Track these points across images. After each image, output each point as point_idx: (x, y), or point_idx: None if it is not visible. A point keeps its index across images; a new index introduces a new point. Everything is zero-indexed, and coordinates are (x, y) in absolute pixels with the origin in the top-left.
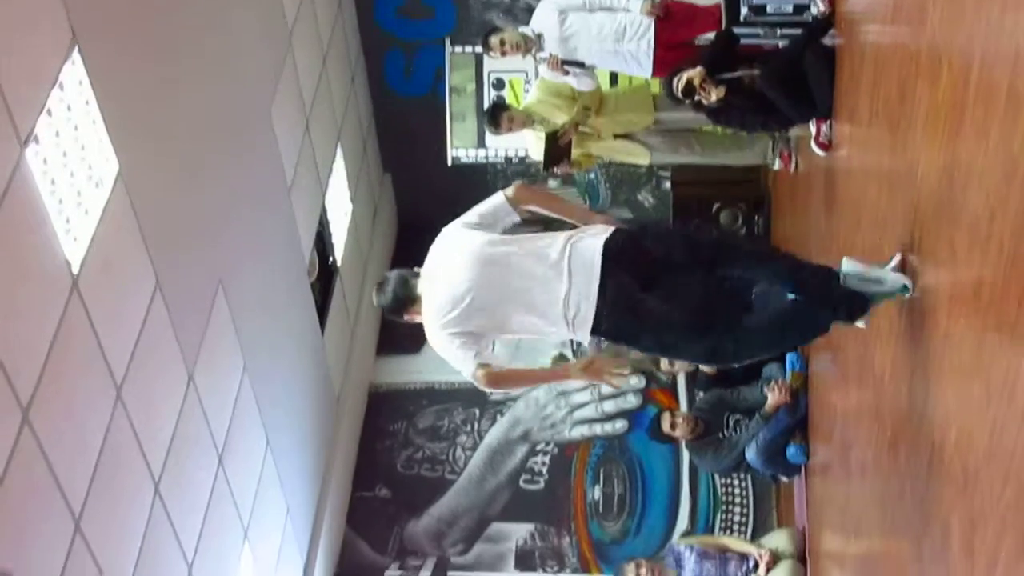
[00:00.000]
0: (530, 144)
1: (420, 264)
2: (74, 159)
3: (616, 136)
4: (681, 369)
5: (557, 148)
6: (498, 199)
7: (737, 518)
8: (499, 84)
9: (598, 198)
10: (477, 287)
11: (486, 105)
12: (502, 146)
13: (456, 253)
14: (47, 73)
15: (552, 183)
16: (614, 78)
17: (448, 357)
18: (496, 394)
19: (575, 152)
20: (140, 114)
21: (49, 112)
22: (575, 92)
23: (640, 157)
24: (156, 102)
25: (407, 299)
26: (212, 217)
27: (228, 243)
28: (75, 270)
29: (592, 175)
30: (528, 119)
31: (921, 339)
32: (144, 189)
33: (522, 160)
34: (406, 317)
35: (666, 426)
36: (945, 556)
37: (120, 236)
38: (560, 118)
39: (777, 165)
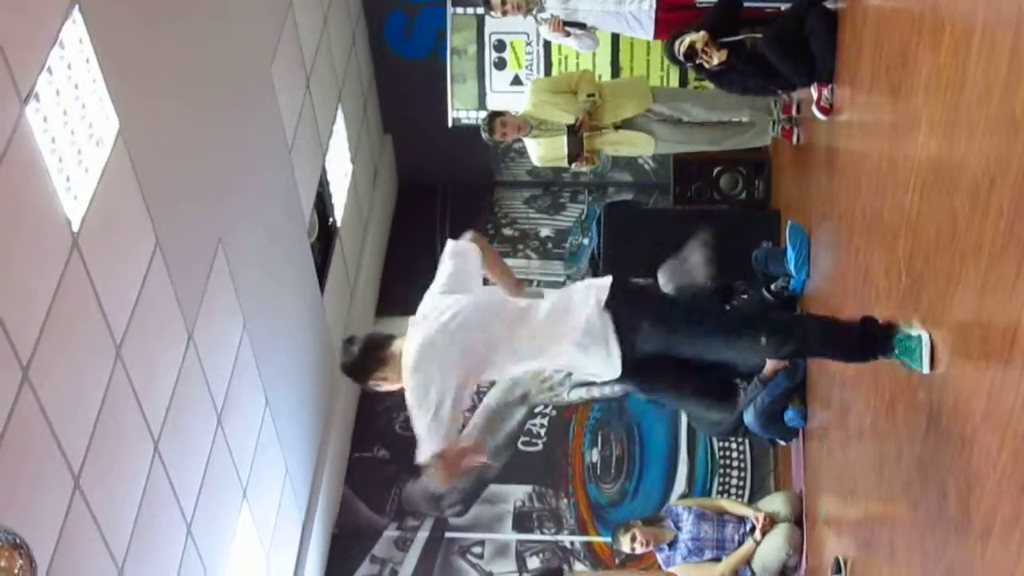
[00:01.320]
0: (529, 150)
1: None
2: (74, 117)
3: (616, 127)
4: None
5: (577, 141)
6: (460, 254)
7: (735, 481)
8: (500, 46)
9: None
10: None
11: (487, 66)
12: (503, 108)
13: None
14: (47, 31)
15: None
16: (615, 54)
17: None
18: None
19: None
20: (141, 72)
21: (49, 70)
22: (573, 85)
23: (644, 147)
24: (157, 60)
25: (375, 361)
26: (212, 176)
27: (228, 202)
28: (75, 228)
29: None
30: (524, 124)
31: (919, 302)
32: (144, 148)
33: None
34: (368, 384)
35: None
36: (942, 518)
37: (120, 194)
38: (563, 116)
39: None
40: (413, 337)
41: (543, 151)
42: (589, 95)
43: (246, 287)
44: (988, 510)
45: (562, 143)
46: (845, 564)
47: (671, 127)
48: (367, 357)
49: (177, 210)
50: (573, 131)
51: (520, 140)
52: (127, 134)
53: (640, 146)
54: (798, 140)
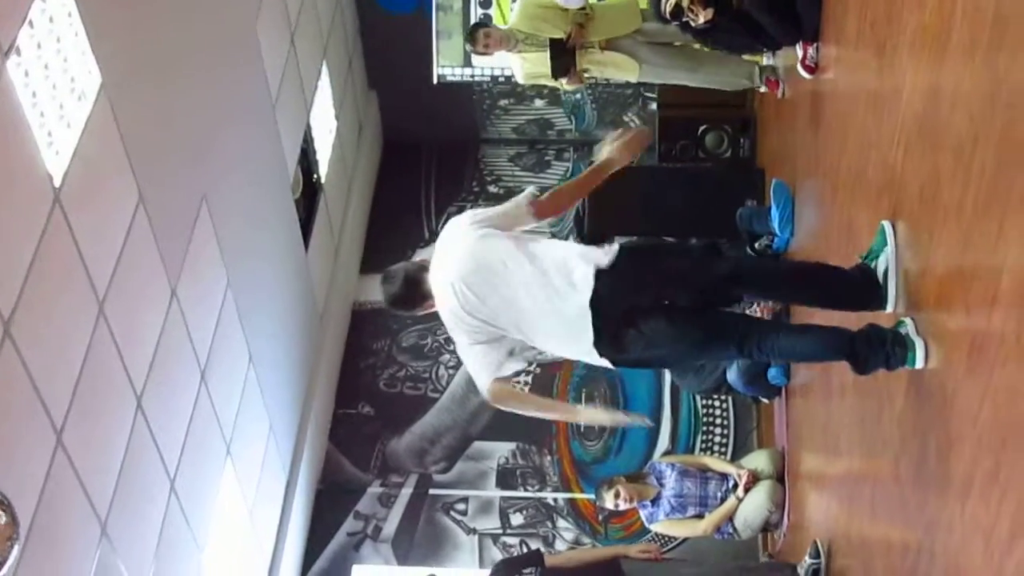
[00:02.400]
0: (514, 66)
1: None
2: (56, 71)
3: (603, 48)
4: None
5: (564, 56)
6: (520, 207)
7: (718, 439)
8: (486, 1)
9: (584, 119)
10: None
11: (473, 21)
12: (488, 65)
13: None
14: None
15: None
16: None
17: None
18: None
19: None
20: (123, 27)
21: (31, 23)
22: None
23: (629, 72)
24: (140, 15)
25: (419, 295)
26: (196, 132)
27: (212, 158)
28: (57, 183)
29: (578, 96)
30: (509, 39)
31: (902, 260)
32: (127, 103)
33: (508, 79)
34: (419, 312)
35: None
36: (922, 475)
37: (103, 150)
38: (552, 31)
39: (763, 89)
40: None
41: (529, 67)
42: (580, 8)
43: (230, 243)
44: (968, 467)
45: (546, 59)
46: (825, 549)
47: (658, 51)
48: (410, 291)
49: (160, 166)
50: (561, 44)
51: (507, 100)
52: (110, 89)
53: (625, 69)
54: (783, 94)
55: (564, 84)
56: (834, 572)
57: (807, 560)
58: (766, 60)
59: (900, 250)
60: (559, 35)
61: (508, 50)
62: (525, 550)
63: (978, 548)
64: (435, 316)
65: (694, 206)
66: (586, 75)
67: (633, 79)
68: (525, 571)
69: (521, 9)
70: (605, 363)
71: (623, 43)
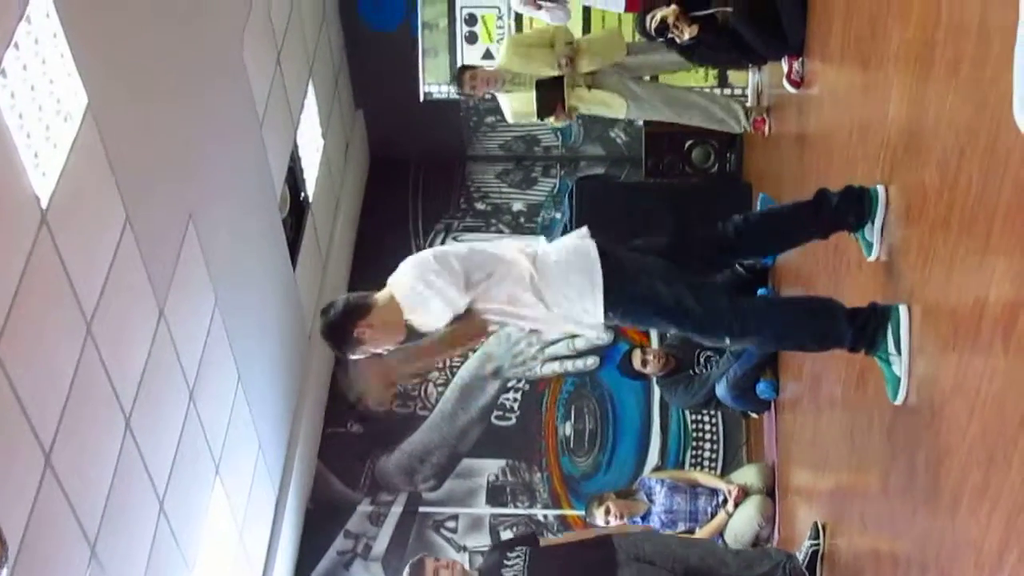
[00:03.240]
0: (503, 105)
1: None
2: (42, 93)
3: (590, 82)
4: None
5: (551, 94)
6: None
7: (707, 454)
8: (471, 19)
9: (570, 135)
10: None
11: (459, 40)
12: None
13: None
14: (13, 6)
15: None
16: (587, 25)
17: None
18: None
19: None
20: (109, 47)
21: (16, 45)
22: (549, 39)
23: (617, 110)
24: (125, 35)
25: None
26: (183, 152)
27: (199, 178)
28: (44, 204)
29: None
30: (496, 79)
31: (891, 275)
32: (114, 123)
33: (494, 96)
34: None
35: (637, 363)
36: (912, 489)
37: (89, 170)
38: (541, 68)
39: (750, 131)
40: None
41: (517, 105)
42: (568, 43)
43: (217, 262)
44: (957, 480)
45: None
46: (824, 529)
47: (645, 87)
48: (348, 311)
49: (147, 186)
50: (547, 83)
51: (494, 117)
52: (96, 109)
53: (613, 106)
54: (769, 131)
55: (553, 121)
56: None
57: (806, 542)
58: (751, 76)
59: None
60: (548, 72)
61: (496, 90)
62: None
63: (968, 562)
64: (423, 333)
65: (681, 221)
66: (575, 112)
67: (621, 116)
68: (517, 549)
69: (508, 48)
70: (598, 320)
71: (610, 80)
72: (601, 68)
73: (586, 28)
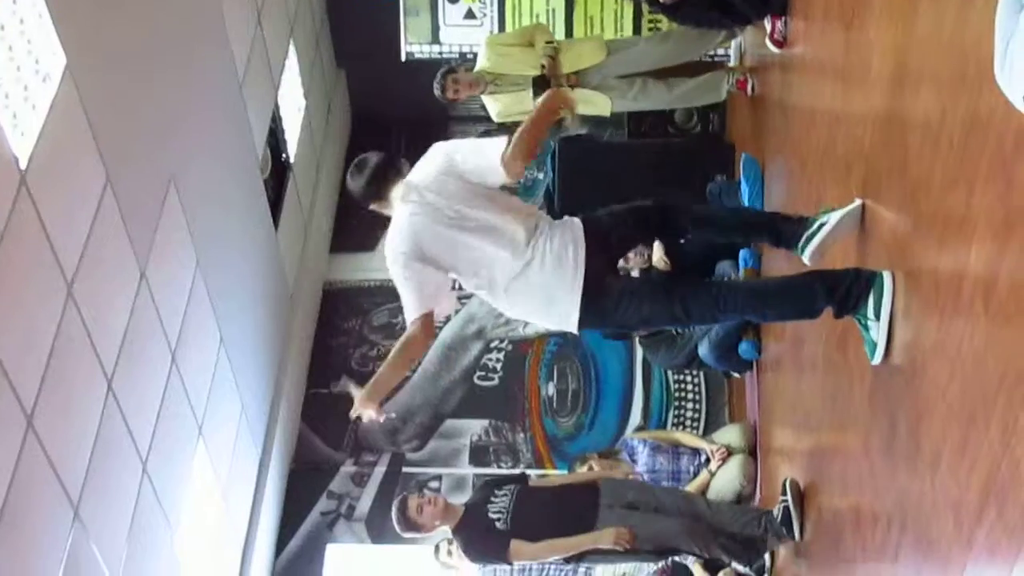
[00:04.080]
0: (489, 107)
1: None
2: (20, 53)
3: (573, 85)
4: (636, 265)
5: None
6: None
7: (689, 414)
8: None
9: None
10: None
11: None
12: (456, 42)
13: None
14: None
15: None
16: (569, 31)
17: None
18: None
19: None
20: (88, 7)
21: None
22: (529, 38)
23: (602, 107)
24: None
25: (379, 192)
26: (163, 113)
27: (179, 139)
28: (23, 165)
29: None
30: (478, 82)
31: (872, 233)
32: (93, 84)
33: (477, 56)
34: (372, 206)
35: None
36: (891, 449)
37: (69, 131)
38: (523, 68)
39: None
40: (401, 214)
41: (502, 106)
42: (548, 42)
43: (199, 224)
44: (937, 439)
45: (522, 98)
46: (794, 486)
47: (628, 82)
48: (370, 186)
49: (128, 147)
50: (539, 82)
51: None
52: (74, 70)
53: (598, 104)
54: (753, 90)
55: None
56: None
57: (779, 499)
58: (736, 36)
59: (869, 226)
60: (530, 72)
61: (479, 92)
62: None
63: (948, 519)
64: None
65: (664, 181)
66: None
67: (606, 113)
68: (505, 487)
69: (487, 51)
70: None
71: (592, 79)
72: (583, 69)
73: (568, 23)
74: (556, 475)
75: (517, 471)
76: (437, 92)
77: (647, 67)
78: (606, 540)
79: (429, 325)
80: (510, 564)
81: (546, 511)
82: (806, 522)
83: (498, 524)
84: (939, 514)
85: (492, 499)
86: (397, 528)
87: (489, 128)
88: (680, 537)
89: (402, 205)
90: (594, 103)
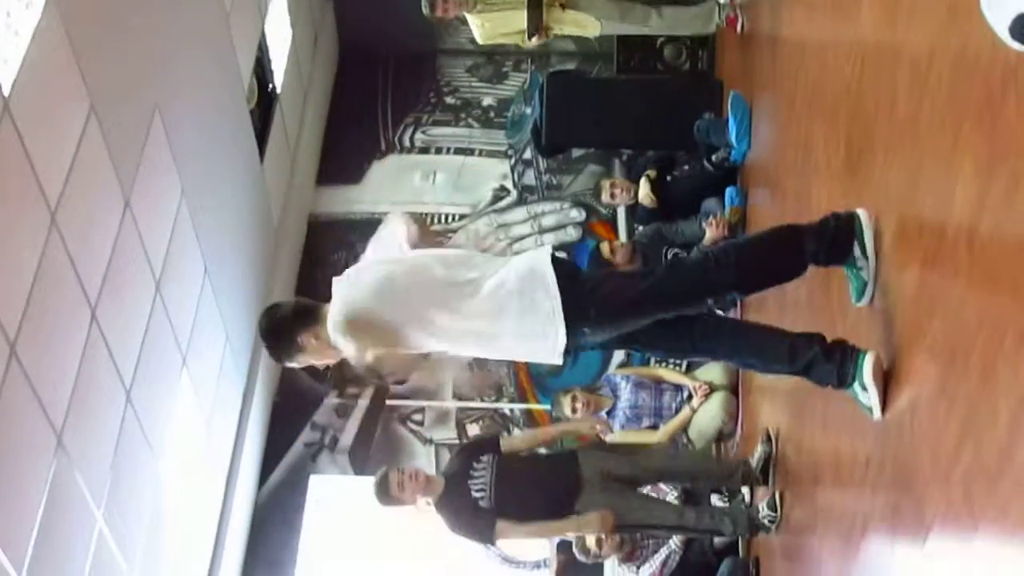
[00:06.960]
0: (473, 27)
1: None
2: None
3: (563, 6)
4: (622, 202)
5: (538, 15)
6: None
7: None
8: None
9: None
10: None
11: None
12: None
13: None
14: None
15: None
16: None
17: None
18: None
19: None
20: None
21: None
22: None
23: (590, 29)
24: None
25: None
26: (148, 40)
27: (164, 68)
28: (6, 92)
29: None
30: (466, 1)
31: (858, 173)
32: (77, 10)
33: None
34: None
35: (606, 251)
36: None
37: (52, 58)
38: None
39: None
40: (337, 294)
41: (489, 27)
42: None
43: (184, 153)
44: (918, 379)
45: (508, 18)
46: (775, 436)
47: (616, 4)
48: (298, 314)
49: (112, 75)
50: (533, 4)
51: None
52: None
53: (586, 26)
54: (743, 28)
55: (532, 42)
56: (783, 466)
57: (759, 447)
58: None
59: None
60: None
61: (467, 11)
62: None
63: (926, 458)
64: None
65: (651, 118)
66: (551, 32)
67: (594, 35)
68: (483, 458)
69: None
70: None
71: (583, 1)
72: None
73: None
74: (525, 434)
75: (490, 435)
76: (425, 10)
77: None
78: (590, 526)
79: None
80: (494, 544)
81: (529, 487)
82: (777, 469)
83: (482, 503)
84: (917, 453)
85: (472, 472)
86: (377, 501)
87: (477, 61)
88: (660, 507)
89: None
90: (582, 25)
